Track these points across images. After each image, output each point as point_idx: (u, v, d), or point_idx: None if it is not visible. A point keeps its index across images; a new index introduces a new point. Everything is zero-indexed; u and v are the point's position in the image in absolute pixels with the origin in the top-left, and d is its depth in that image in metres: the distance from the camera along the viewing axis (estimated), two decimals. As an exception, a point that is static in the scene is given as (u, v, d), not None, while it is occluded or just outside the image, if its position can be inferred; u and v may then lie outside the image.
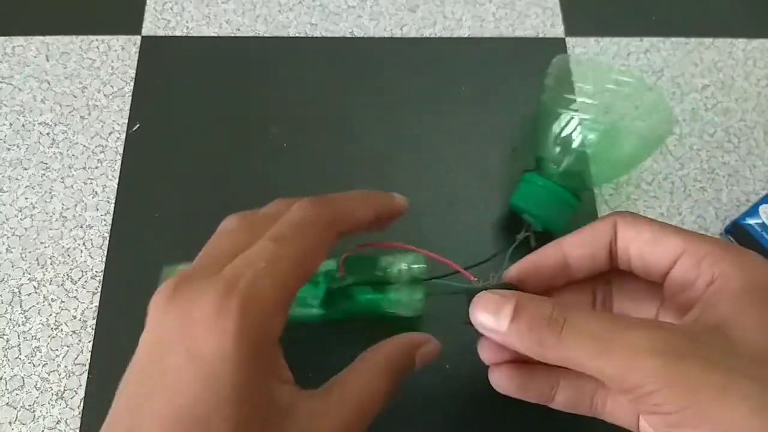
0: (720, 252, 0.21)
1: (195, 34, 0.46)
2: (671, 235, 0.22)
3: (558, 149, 0.36)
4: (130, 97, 0.44)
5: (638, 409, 0.23)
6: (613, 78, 0.35)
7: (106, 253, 0.38)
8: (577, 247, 0.24)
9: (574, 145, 0.35)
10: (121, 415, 0.20)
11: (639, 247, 0.23)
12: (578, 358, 0.19)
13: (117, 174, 0.41)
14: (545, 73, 0.39)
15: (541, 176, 0.36)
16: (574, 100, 0.35)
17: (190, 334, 0.19)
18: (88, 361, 0.35)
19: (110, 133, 0.42)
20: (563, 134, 0.36)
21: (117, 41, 0.46)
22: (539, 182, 0.35)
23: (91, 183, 0.41)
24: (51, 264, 0.38)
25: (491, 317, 0.21)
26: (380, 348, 0.24)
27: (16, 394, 0.34)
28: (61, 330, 0.36)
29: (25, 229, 0.39)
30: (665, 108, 0.36)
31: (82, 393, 0.34)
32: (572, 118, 0.35)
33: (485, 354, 0.25)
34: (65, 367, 0.35)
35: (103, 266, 0.38)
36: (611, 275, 0.26)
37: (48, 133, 0.42)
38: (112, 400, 0.21)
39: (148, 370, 0.20)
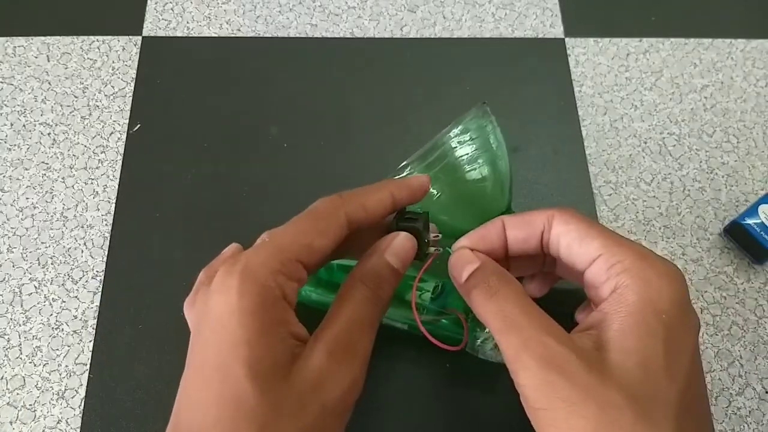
0: (629, 262, 0.24)
1: (195, 35, 0.46)
2: (594, 237, 0.25)
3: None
4: (131, 98, 0.44)
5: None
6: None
7: (106, 253, 0.38)
8: (514, 228, 0.28)
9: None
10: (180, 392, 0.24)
11: (567, 243, 0.26)
12: (491, 324, 0.25)
13: (118, 174, 0.41)
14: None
15: None
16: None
17: (207, 304, 0.23)
18: (89, 360, 0.35)
19: (111, 134, 0.42)
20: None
21: (118, 42, 0.46)
22: None
23: (92, 183, 0.41)
24: (52, 264, 0.38)
25: (454, 271, 0.27)
26: (353, 276, 0.25)
27: (17, 394, 0.35)
28: (62, 330, 0.36)
29: (26, 229, 0.39)
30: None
31: (82, 392, 0.35)
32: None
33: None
34: (66, 366, 0.35)
35: (103, 266, 0.38)
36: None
37: (49, 134, 0.42)
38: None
39: (191, 348, 0.24)
